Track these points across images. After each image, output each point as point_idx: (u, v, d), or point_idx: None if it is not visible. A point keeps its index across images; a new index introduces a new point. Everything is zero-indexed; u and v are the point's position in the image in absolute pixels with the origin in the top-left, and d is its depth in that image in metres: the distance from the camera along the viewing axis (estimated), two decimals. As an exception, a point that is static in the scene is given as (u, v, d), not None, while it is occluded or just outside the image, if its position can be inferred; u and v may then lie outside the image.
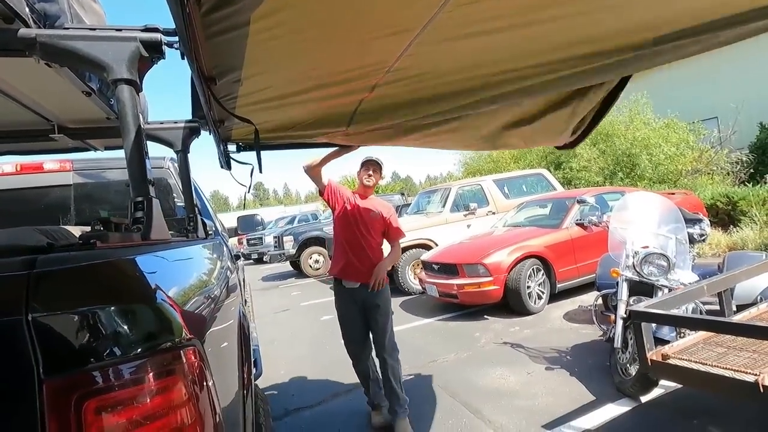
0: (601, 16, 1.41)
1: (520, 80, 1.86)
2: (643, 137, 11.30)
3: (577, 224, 5.64)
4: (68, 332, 0.58)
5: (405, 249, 7.25)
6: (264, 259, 13.69)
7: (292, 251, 10.83)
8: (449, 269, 5.57)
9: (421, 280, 6.18)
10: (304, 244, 10.84)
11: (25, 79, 1.38)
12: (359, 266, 2.85)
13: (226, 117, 1.91)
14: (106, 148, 2.34)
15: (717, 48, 1.55)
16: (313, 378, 4.06)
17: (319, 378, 4.04)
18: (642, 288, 3.09)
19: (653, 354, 2.41)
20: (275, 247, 11.45)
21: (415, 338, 4.86)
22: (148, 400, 0.65)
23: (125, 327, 0.64)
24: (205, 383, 0.77)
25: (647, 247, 3.13)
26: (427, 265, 6.03)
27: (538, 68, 1.78)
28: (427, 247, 7.12)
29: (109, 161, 2.88)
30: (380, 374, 2.99)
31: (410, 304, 6.47)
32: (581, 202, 4.80)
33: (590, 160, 11.98)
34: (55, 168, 2.64)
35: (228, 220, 7.10)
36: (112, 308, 0.63)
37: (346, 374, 4.01)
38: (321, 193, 3.07)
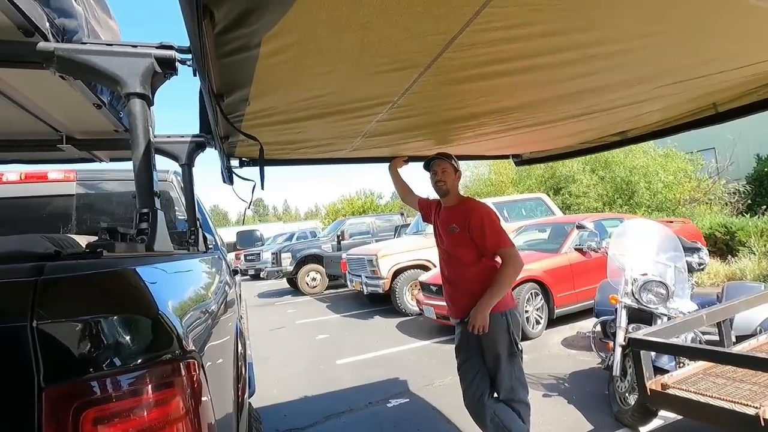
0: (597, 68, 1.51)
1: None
2: (642, 165, 11.42)
3: (576, 249, 5.64)
4: (71, 341, 0.58)
5: (402, 270, 7.21)
6: (261, 276, 13.62)
7: (290, 268, 10.77)
8: (447, 291, 5.53)
9: (418, 302, 6.13)
10: (301, 262, 10.79)
11: (38, 89, 1.41)
12: (458, 297, 2.38)
13: (231, 133, 1.95)
14: (112, 160, 2.37)
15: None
16: (306, 399, 3.98)
17: (313, 399, 3.96)
18: (641, 316, 3.07)
19: (652, 383, 2.38)
20: (272, 263, 11.40)
21: (412, 360, 4.79)
22: (146, 413, 0.64)
23: (127, 337, 0.64)
24: (202, 398, 0.76)
25: (646, 274, 3.12)
26: (425, 287, 5.99)
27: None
28: (426, 268, 7.09)
29: (111, 173, 2.90)
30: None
31: (407, 326, 6.40)
32: (580, 227, 4.81)
33: (589, 186, 12.07)
34: (59, 178, 2.66)
35: (227, 235, 7.08)
36: (116, 318, 0.63)
37: (340, 396, 3.95)
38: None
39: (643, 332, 2.53)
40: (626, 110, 2.11)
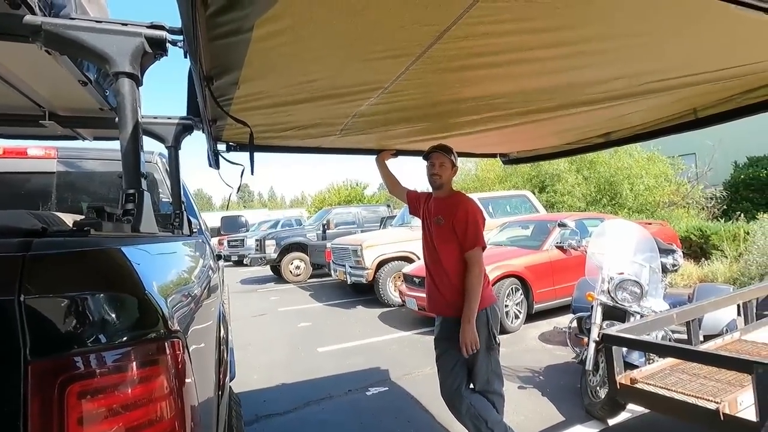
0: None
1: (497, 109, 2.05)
2: (626, 167, 11.65)
3: (557, 247, 5.76)
4: (58, 316, 0.59)
5: (386, 261, 7.26)
6: (244, 262, 13.53)
7: (274, 255, 10.72)
8: (430, 283, 5.59)
9: (401, 293, 6.19)
10: (285, 250, 10.75)
11: (22, 63, 1.37)
12: (437, 292, 2.39)
13: (220, 116, 1.94)
14: (95, 138, 2.32)
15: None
16: (286, 385, 4.01)
17: (293, 385, 3.99)
18: (615, 313, 3.18)
19: (622, 377, 2.48)
20: (256, 250, 11.33)
21: (393, 350, 4.86)
22: (130, 390, 0.65)
23: (113, 315, 0.65)
24: (186, 378, 0.77)
25: (622, 273, 3.22)
26: (408, 278, 6.05)
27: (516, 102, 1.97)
28: (410, 260, 7.15)
29: (94, 152, 2.84)
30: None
31: (389, 316, 6.47)
32: (562, 225, 4.91)
33: (574, 186, 12.27)
34: (39, 154, 2.59)
35: (211, 219, 7.00)
36: (103, 295, 0.63)
37: (320, 383, 3.99)
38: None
39: (615, 328, 2.62)
40: (609, 108, 2.16)
